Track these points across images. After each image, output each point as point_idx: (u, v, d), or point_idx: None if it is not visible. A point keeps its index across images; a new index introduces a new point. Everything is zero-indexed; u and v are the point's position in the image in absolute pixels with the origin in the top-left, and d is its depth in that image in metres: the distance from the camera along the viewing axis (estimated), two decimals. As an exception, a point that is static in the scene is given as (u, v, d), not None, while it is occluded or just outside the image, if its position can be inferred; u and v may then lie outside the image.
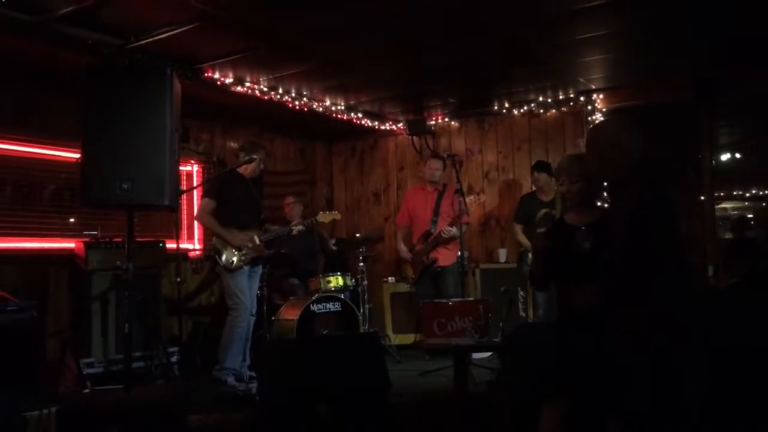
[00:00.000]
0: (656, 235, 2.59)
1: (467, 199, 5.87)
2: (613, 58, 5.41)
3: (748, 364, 3.24)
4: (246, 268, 5.13)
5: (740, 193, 11.35)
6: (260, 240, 5.18)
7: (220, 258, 5.10)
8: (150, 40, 4.47)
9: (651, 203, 2.66)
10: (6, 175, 5.19)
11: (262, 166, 5.34)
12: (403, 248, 6.46)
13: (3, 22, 3.97)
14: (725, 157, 9.31)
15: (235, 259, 5.07)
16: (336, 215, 5.87)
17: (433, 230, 6.19)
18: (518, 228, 6.17)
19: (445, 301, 4.65)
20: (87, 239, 5.15)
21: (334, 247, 6.87)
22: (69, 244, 5.31)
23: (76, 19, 4.15)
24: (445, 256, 6.13)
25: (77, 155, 3.80)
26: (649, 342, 2.52)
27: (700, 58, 5.47)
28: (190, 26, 4.29)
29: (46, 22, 4.10)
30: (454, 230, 5.97)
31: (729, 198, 11.27)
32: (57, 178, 5.48)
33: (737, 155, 9.34)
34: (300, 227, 5.61)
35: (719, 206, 10.24)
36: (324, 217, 5.75)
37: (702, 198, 6.24)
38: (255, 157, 5.21)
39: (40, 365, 4.88)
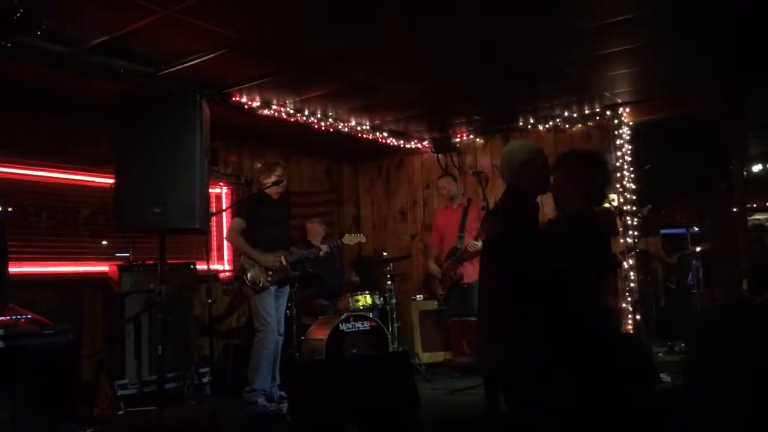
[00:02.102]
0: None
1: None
2: (639, 71, 5.38)
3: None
4: (272, 288, 5.17)
5: (774, 203, 11.10)
6: (287, 261, 5.23)
7: (247, 278, 5.15)
8: (179, 67, 4.59)
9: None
10: (42, 200, 5.32)
11: (284, 181, 5.38)
12: (433, 266, 6.47)
13: (39, 54, 4.12)
14: (757, 168, 9.14)
15: (262, 279, 5.12)
16: (361, 238, 5.94)
17: (460, 246, 6.20)
18: None
19: (473, 319, 4.63)
20: (120, 262, 5.25)
21: (355, 279, 6.88)
22: (103, 268, 5.41)
23: (108, 50, 4.28)
24: (471, 272, 6.11)
25: (110, 180, 3.90)
26: None
27: (728, 70, 5.42)
28: (219, 53, 4.40)
29: (79, 53, 4.24)
30: (479, 244, 5.96)
31: (762, 209, 11.03)
32: (90, 203, 5.61)
33: (770, 166, 9.17)
34: (326, 249, 5.66)
35: (752, 218, 10.03)
36: (350, 239, 5.82)
37: (734, 210, 6.14)
38: (277, 175, 5.27)
39: (76, 388, 4.96)
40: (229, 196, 6.77)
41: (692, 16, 4.26)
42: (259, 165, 5.64)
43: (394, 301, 6.31)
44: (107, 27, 3.99)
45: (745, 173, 6.37)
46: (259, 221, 5.22)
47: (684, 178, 8.58)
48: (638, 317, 6.17)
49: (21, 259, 5.01)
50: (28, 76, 4.56)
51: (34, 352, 3.68)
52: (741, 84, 5.64)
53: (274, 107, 5.73)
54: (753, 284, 5.49)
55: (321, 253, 5.64)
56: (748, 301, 5.29)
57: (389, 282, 6.37)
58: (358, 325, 5.64)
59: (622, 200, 6.23)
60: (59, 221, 5.42)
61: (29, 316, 3.90)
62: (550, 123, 6.76)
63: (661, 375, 4.53)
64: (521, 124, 6.88)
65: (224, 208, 6.48)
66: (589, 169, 3.08)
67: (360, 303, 5.95)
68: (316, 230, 6.54)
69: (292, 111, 5.88)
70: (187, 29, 4.01)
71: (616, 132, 6.37)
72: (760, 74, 5.45)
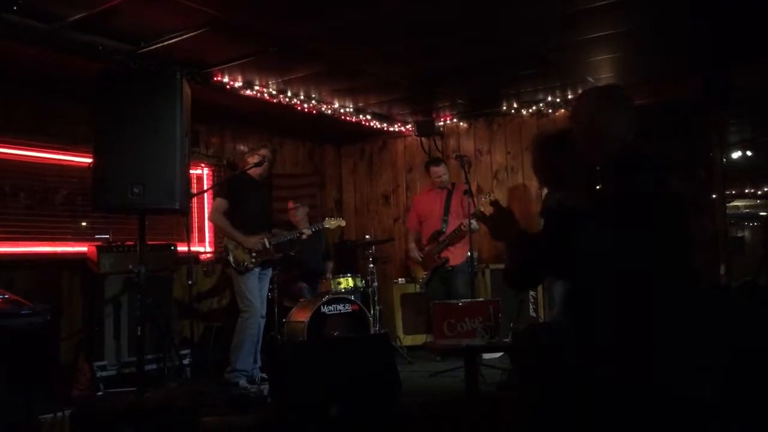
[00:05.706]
0: (650, 228, 2.13)
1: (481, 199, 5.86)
2: (621, 57, 5.39)
3: (762, 363, 3.22)
4: (256, 270, 5.16)
5: (752, 190, 11.26)
6: (270, 243, 5.21)
7: (231, 259, 5.14)
8: (160, 45, 4.52)
9: (648, 186, 2.20)
10: (19, 180, 5.24)
11: (266, 162, 5.36)
12: (413, 250, 6.48)
13: (15, 30, 4.02)
14: (736, 155, 9.24)
15: (246, 260, 5.10)
16: (341, 222, 5.98)
17: (444, 229, 6.21)
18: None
19: (455, 301, 4.65)
20: (99, 243, 5.20)
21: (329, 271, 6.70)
22: (81, 248, 5.35)
23: (87, 26, 4.20)
24: (456, 255, 6.14)
25: (89, 160, 3.84)
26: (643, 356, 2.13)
27: (709, 57, 5.45)
28: (199, 31, 4.33)
29: (57, 30, 4.15)
30: (474, 224, 5.93)
31: (741, 196, 11.18)
32: (69, 183, 5.53)
33: (748, 153, 9.27)
34: (309, 232, 5.67)
35: (731, 204, 10.17)
36: (330, 223, 5.83)
37: (713, 196, 6.21)
38: (262, 155, 5.25)
39: (54, 368, 4.92)
40: (211, 178, 6.72)
41: (674, 1, 4.27)
42: (245, 147, 5.61)
43: (375, 284, 6.32)
44: (85, 3, 3.90)
45: (724, 160, 6.43)
46: (241, 202, 5.19)
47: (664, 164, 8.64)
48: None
49: (-2, 239, 4.94)
50: (5, 52, 4.46)
51: (11, 333, 3.64)
52: (722, 71, 5.68)
53: (257, 88, 5.67)
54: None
55: (303, 236, 5.63)
56: (727, 286, 5.37)
57: (371, 265, 6.37)
58: (340, 307, 5.65)
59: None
60: (37, 201, 5.34)
61: (6, 296, 3.85)
62: (534, 108, 6.77)
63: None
64: (505, 108, 6.88)
65: (205, 189, 6.43)
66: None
67: (342, 286, 5.96)
68: (299, 213, 6.52)
69: (274, 92, 5.83)
70: (167, 6, 3.94)
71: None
72: (741, 61, 5.49)
